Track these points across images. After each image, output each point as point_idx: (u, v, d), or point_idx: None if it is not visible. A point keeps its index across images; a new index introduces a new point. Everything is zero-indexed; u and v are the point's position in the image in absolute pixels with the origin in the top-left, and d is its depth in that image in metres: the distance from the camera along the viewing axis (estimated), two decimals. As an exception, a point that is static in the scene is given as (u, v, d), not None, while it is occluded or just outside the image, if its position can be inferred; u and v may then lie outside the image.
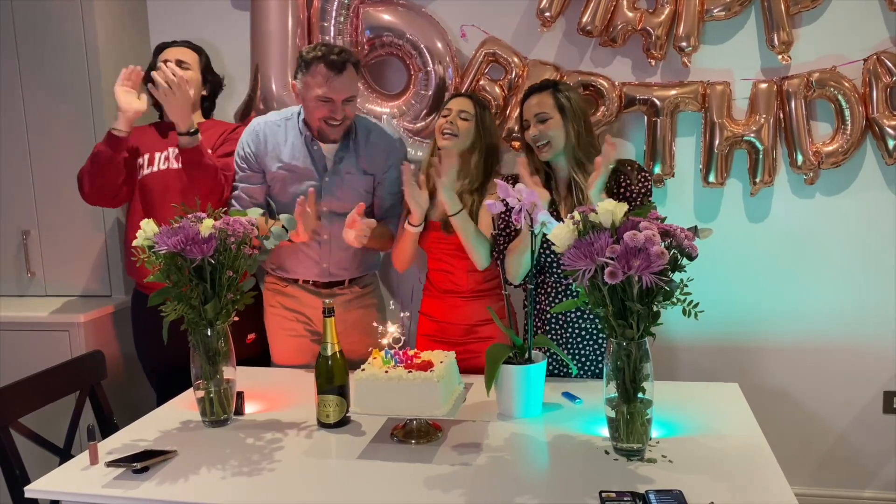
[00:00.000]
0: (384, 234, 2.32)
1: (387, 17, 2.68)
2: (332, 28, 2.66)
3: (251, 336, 2.49)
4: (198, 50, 2.56)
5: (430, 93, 2.67)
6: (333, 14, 2.66)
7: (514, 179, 2.09)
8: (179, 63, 2.46)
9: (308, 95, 2.17)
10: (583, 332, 2.13)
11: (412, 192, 2.12)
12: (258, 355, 2.53)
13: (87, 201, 2.48)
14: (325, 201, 2.26)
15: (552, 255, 2.11)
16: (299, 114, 2.28)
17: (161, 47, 2.54)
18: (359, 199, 2.21)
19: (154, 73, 2.23)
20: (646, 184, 2.08)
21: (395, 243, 2.28)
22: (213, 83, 2.59)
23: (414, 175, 2.13)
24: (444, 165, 2.07)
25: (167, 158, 2.43)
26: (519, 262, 2.07)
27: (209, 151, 2.35)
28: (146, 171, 2.44)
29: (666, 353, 2.74)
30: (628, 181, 2.06)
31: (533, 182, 1.96)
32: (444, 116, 2.24)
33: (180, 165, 2.33)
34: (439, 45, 2.66)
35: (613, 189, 2.05)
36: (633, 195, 2.04)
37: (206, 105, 2.61)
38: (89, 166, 2.38)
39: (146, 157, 2.45)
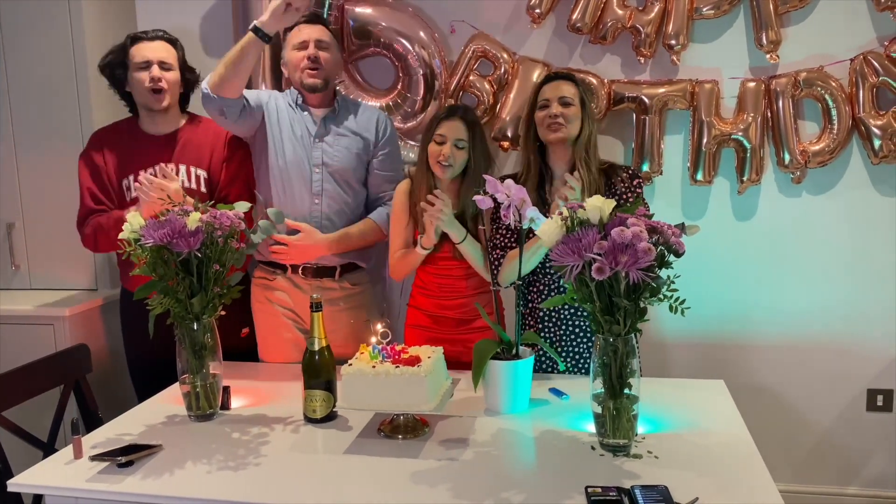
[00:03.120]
0: (365, 232, 2.33)
1: (370, 11, 2.66)
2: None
3: (245, 330, 2.46)
4: (174, 42, 2.39)
5: (420, 95, 2.66)
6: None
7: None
8: (162, 64, 2.31)
9: (289, 51, 2.31)
10: (576, 330, 2.14)
11: (438, 217, 2.06)
12: (252, 349, 2.50)
13: (94, 252, 2.49)
14: (320, 158, 2.30)
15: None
16: (290, 93, 2.38)
17: (134, 39, 2.35)
18: (353, 160, 2.31)
19: (136, 190, 2.20)
20: (637, 191, 2.08)
21: (400, 259, 2.21)
22: (190, 80, 2.45)
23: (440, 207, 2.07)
24: (438, 203, 2.05)
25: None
26: (514, 269, 2.08)
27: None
28: (135, 194, 2.28)
29: (652, 350, 2.75)
30: (619, 189, 2.07)
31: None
32: (438, 143, 2.13)
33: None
34: (427, 40, 2.65)
35: (604, 195, 2.05)
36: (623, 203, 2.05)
37: (182, 102, 2.47)
38: (104, 237, 2.29)
39: (130, 178, 2.34)
